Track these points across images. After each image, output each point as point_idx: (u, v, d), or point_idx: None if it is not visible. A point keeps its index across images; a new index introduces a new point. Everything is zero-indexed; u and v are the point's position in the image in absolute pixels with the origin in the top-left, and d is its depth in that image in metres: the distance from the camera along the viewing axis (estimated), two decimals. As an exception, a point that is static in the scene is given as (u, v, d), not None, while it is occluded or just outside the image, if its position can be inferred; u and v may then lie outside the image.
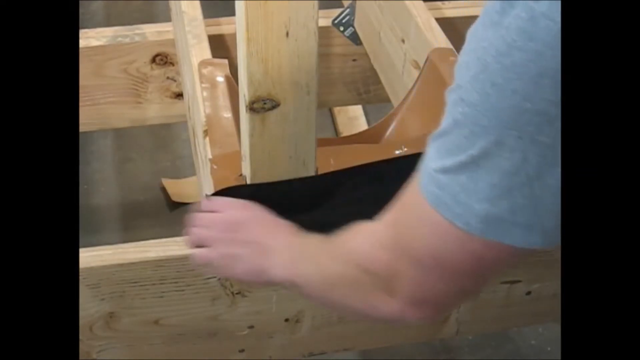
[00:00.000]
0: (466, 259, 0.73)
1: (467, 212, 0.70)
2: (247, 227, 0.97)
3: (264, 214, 0.99)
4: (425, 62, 1.34)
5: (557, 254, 0.79)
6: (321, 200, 1.06)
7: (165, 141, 2.40)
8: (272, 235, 0.95)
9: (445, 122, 0.72)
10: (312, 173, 1.03)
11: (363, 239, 0.83)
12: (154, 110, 1.70)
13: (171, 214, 2.17)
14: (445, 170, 0.71)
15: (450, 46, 1.36)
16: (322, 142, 1.05)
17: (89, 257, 1.07)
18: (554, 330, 1.84)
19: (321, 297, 0.90)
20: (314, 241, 0.92)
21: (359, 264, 0.82)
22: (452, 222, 0.71)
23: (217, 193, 1.05)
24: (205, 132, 1.17)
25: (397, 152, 1.14)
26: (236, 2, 0.90)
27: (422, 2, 1.48)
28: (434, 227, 0.73)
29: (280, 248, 0.93)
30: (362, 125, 2.32)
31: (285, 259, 0.92)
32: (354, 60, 1.71)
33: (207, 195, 1.04)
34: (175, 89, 1.67)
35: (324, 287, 0.88)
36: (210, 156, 1.12)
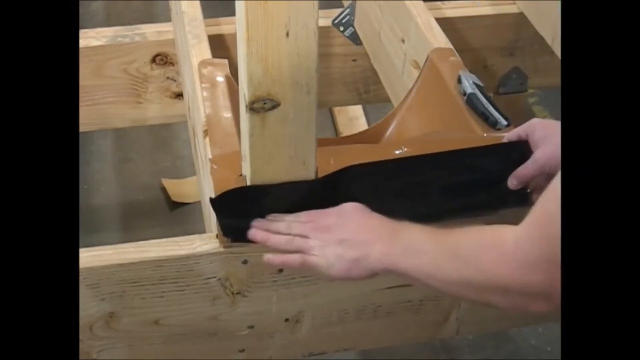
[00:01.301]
0: None
1: None
2: (339, 227, 0.99)
3: (353, 210, 1.01)
4: (425, 62, 1.34)
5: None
6: (321, 201, 1.06)
7: (165, 141, 2.40)
8: (365, 229, 0.98)
9: None
10: (312, 173, 1.03)
11: (499, 259, 0.84)
12: (154, 110, 1.70)
13: (171, 214, 2.17)
14: None
15: (450, 46, 1.37)
16: (322, 142, 1.05)
17: (89, 257, 1.07)
18: (554, 330, 1.84)
19: (441, 291, 0.93)
20: (419, 233, 0.94)
21: (500, 285, 0.83)
22: None
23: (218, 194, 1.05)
24: (205, 132, 1.17)
25: (397, 152, 1.14)
26: (236, 2, 0.90)
27: (422, 2, 1.48)
28: None
29: (376, 238, 0.96)
30: (362, 125, 2.32)
31: (385, 248, 0.95)
32: (354, 60, 1.71)
33: (212, 199, 1.04)
34: (175, 89, 1.67)
35: (448, 287, 0.91)
36: (210, 156, 1.12)
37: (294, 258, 1.00)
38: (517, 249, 0.83)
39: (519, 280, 0.82)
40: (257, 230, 1.03)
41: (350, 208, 1.01)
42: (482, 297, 0.88)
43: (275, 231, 1.02)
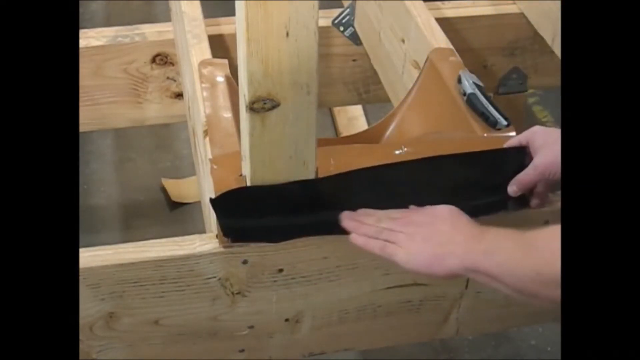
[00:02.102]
0: None
1: None
2: (428, 226, 1.01)
3: (447, 212, 1.02)
4: (425, 62, 1.34)
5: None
6: (322, 201, 1.06)
7: (165, 141, 2.40)
8: (453, 230, 0.99)
9: None
10: (312, 173, 1.03)
11: None
12: (154, 110, 1.70)
13: (171, 214, 2.17)
14: None
15: (450, 46, 1.37)
16: (322, 142, 1.05)
17: (89, 257, 1.07)
18: (554, 330, 1.84)
19: (515, 289, 0.93)
20: (500, 233, 0.95)
21: None
22: None
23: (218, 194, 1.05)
24: (205, 132, 1.17)
25: (397, 152, 1.14)
26: (236, 2, 0.89)
27: (422, 2, 1.48)
28: None
29: (462, 239, 0.97)
30: (362, 125, 2.32)
31: (468, 248, 0.96)
32: (354, 60, 1.71)
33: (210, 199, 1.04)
34: (175, 89, 1.67)
35: (522, 284, 0.91)
36: (210, 156, 1.12)
37: (375, 244, 1.02)
38: None
39: None
40: (348, 219, 1.05)
41: (444, 210, 1.03)
42: (551, 293, 0.87)
43: (364, 223, 1.05)
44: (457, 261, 0.97)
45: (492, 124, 1.18)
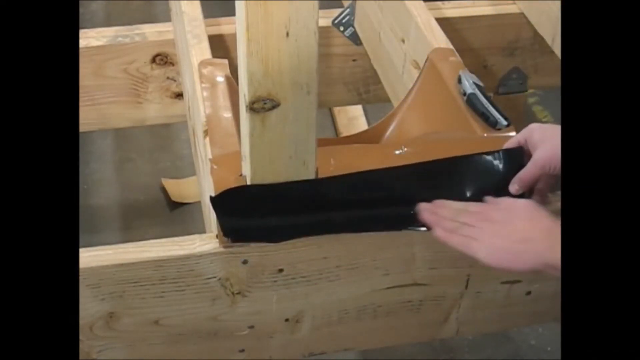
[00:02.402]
0: None
1: None
2: (507, 222, 1.02)
3: (524, 207, 1.03)
4: (425, 62, 1.34)
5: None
6: (322, 201, 1.06)
7: (165, 141, 2.40)
8: (532, 226, 1.00)
9: None
10: (312, 173, 1.03)
11: None
12: (154, 110, 1.70)
13: (171, 214, 2.17)
14: None
15: (450, 46, 1.37)
16: (322, 142, 1.05)
17: (89, 257, 1.07)
18: (554, 330, 1.84)
19: None
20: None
21: None
22: None
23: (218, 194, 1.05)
24: (205, 132, 1.17)
25: (397, 152, 1.14)
26: (236, 2, 0.90)
27: (422, 2, 1.48)
28: None
29: (542, 235, 0.98)
30: (362, 125, 2.32)
31: (548, 244, 0.96)
32: (354, 60, 1.71)
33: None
34: (175, 89, 1.67)
35: None
36: (210, 156, 1.12)
37: (456, 239, 1.03)
38: None
39: None
40: (427, 212, 1.07)
41: (522, 205, 1.04)
42: None
43: (442, 216, 1.06)
44: (537, 258, 0.98)
45: (492, 124, 1.18)
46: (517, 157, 1.09)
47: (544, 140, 1.07)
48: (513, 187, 1.09)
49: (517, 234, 1.00)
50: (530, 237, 0.99)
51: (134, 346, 1.18)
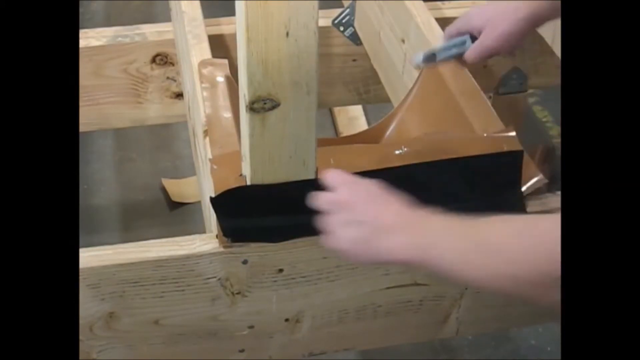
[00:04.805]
0: None
1: None
2: (359, 206, 0.94)
3: (374, 188, 0.95)
4: (426, 62, 1.34)
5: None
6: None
7: (165, 141, 2.40)
8: (385, 213, 0.92)
9: None
10: (312, 173, 1.03)
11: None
12: (154, 110, 1.70)
13: (171, 214, 2.17)
14: None
15: (451, 46, 1.37)
16: (322, 142, 1.05)
17: (89, 257, 1.07)
18: (554, 330, 1.84)
19: (472, 285, 0.89)
20: (445, 228, 0.89)
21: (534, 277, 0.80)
22: None
23: (218, 194, 1.05)
24: (205, 132, 1.17)
25: (397, 152, 1.14)
26: (236, 2, 0.90)
27: (422, 2, 1.48)
28: None
29: (397, 227, 0.91)
30: (362, 125, 2.32)
31: (409, 239, 0.90)
32: (354, 60, 1.71)
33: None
34: (175, 89, 1.67)
35: (479, 282, 0.87)
36: (210, 156, 1.12)
37: (324, 240, 0.97)
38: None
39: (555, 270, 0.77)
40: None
41: (376, 188, 0.96)
42: (517, 290, 0.83)
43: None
44: (391, 253, 0.91)
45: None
46: (513, 159, 1.09)
47: (489, 23, 1.08)
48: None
49: (369, 223, 0.92)
50: (385, 228, 0.91)
51: (134, 346, 1.18)
